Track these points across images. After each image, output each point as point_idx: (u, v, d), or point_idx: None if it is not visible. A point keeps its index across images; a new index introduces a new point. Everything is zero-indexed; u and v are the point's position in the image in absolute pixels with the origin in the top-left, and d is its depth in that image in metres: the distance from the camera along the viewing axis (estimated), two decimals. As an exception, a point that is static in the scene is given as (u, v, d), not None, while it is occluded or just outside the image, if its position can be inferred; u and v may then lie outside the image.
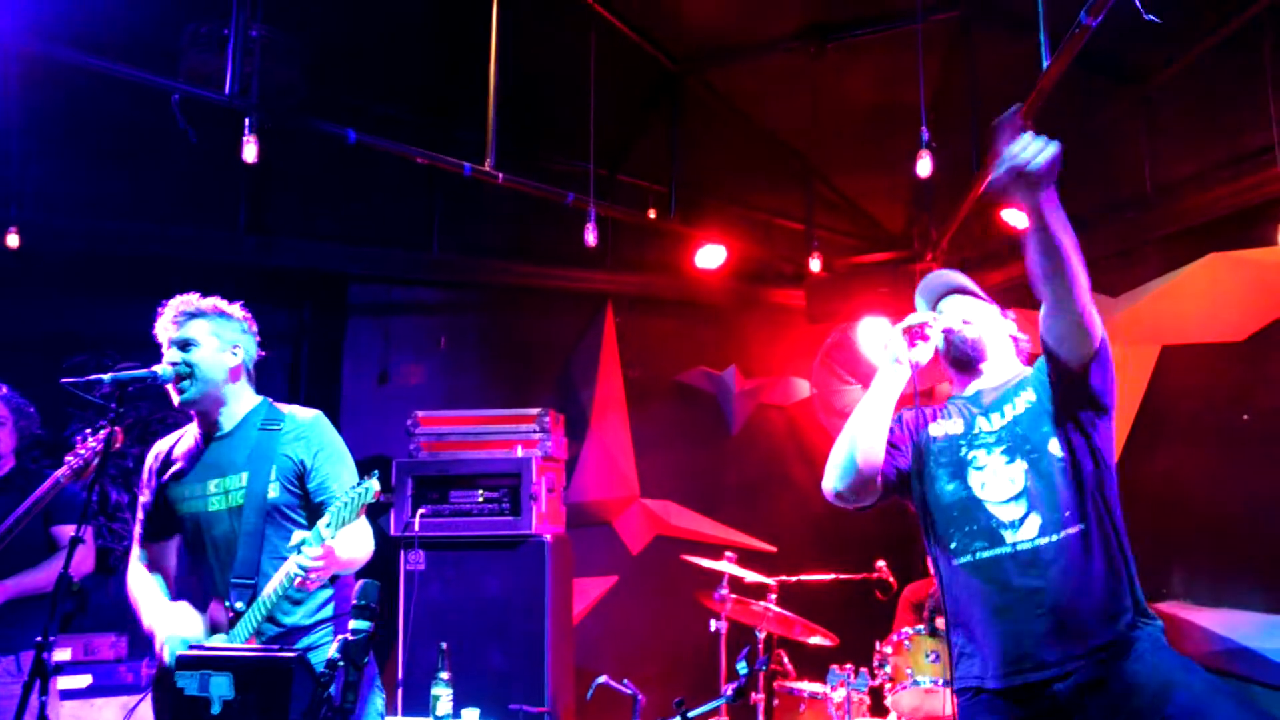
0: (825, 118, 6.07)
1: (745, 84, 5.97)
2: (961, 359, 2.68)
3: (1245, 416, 4.79)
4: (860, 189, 6.65)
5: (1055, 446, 2.47)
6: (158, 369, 2.96)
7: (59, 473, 3.66)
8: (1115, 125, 5.37)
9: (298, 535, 2.73)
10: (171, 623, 2.84)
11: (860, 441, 2.57)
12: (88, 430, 3.72)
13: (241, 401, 3.07)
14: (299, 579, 2.67)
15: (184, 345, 2.98)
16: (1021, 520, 2.43)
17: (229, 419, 3.05)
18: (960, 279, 2.81)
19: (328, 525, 2.67)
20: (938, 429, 2.67)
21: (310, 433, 3.03)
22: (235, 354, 3.05)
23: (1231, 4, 4.48)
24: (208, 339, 3.01)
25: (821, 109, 6.01)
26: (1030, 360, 2.72)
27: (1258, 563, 4.75)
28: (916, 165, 4.23)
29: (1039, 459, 2.47)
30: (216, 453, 3.02)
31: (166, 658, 2.76)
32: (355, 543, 2.84)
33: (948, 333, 2.64)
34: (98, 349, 5.28)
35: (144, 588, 3.03)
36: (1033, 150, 2.15)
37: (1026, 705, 2.37)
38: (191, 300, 3.05)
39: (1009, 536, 2.43)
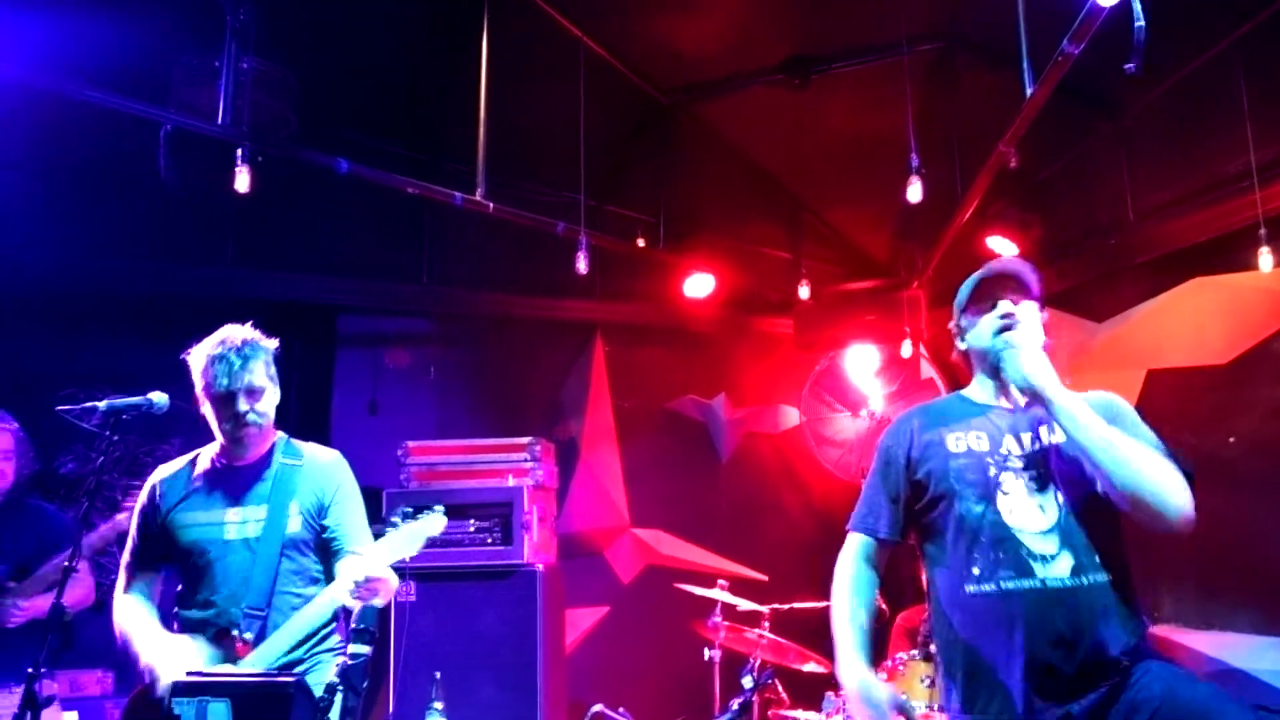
0: (811, 148, 6.16)
1: (733, 116, 6.04)
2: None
3: (1230, 439, 4.83)
4: (846, 218, 6.72)
5: (1094, 485, 2.36)
6: (153, 397, 2.96)
7: (119, 517, 3.77)
8: (1096, 153, 5.47)
9: (366, 550, 2.78)
10: (173, 656, 2.76)
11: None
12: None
13: (267, 435, 3.07)
14: (356, 589, 2.65)
15: (252, 393, 2.96)
16: (1054, 557, 2.33)
17: (256, 451, 3.04)
18: (1019, 265, 2.58)
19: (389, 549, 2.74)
20: (956, 442, 2.49)
21: (332, 472, 3.08)
22: (277, 392, 3.06)
23: (1205, 35, 4.58)
24: (270, 385, 3.02)
25: (807, 140, 6.10)
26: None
27: (1245, 585, 4.77)
28: (907, 190, 4.27)
29: (1074, 495, 2.37)
30: (236, 482, 3.00)
31: (160, 690, 2.68)
32: (393, 579, 2.85)
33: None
34: (86, 384, 5.24)
35: (136, 620, 2.93)
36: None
37: None
38: (256, 343, 3.01)
39: (1039, 570, 2.32)
